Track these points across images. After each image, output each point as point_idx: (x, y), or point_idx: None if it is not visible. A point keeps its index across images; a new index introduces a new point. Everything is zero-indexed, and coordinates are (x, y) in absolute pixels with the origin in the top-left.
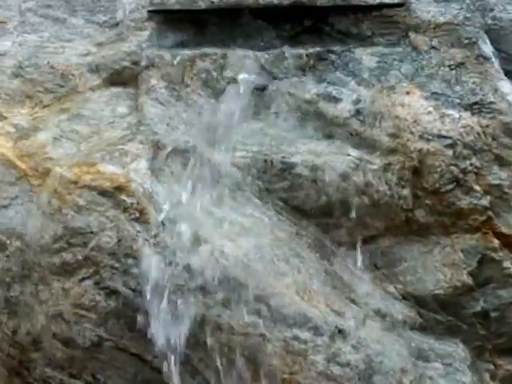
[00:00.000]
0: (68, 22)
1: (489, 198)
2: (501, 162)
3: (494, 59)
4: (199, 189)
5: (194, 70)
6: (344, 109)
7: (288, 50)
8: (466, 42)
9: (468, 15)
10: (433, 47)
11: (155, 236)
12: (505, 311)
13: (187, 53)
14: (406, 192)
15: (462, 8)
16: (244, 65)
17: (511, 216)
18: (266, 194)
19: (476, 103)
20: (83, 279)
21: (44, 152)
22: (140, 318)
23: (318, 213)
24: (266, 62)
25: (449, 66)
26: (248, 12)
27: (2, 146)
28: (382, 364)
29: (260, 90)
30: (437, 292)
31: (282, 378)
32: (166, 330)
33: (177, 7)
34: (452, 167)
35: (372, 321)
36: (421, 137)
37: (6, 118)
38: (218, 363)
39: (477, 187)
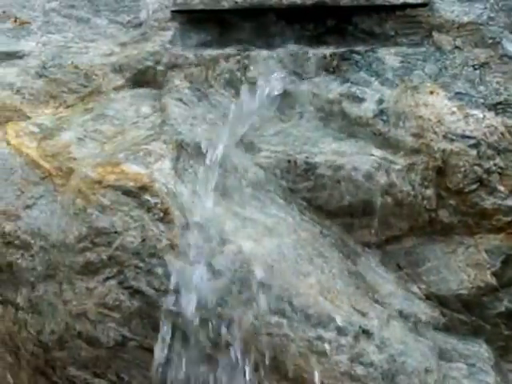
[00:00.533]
0: (92, 22)
1: None
2: None
3: None
4: (223, 189)
5: (217, 70)
6: (367, 109)
7: (311, 50)
8: (490, 41)
9: (492, 15)
10: (456, 47)
11: (179, 236)
12: None
13: (211, 53)
14: (429, 192)
15: (485, 8)
16: (268, 65)
17: None
18: (290, 193)
19: (500, 103)
20: (107, 279)
21: (68, 152)
22: (164, 318)
23: (341, 213)
24: (290, 62)
25: (472, 65)
26: (271, 12)
27: (26, 146)
28: (406, 364)
29: (284, 90)
30: (460, 292)
31: (305, 378)
32: (190, 330)
33: (200, 7)
34: (476, 167)
35: (395, 321)
36: (444, 137)
37: (29, 118)
38: (242, 363)
39: (501, 187)
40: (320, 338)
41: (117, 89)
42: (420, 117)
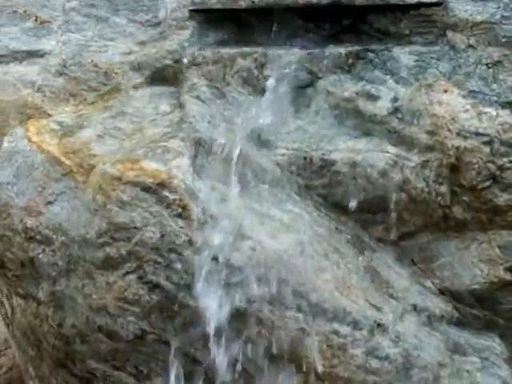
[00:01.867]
0: (111, 21)
1: None
2: None
3: None
4: (240, 185)
5: (234, 69)
6: (382, 107)
7: (327, 49)
8: (504, 40)
9: (505, 14)
10: (470, 46)
11: (197, 232)
12: None
13: (228, 51)
14: (443, 189)
15: (499, 7)
16: (284, 63)
17: None
18: (306, 190)
19: None
20: (127, 273)
21: (88, 149)
22: (183, 312)
23: (356, 209)
24: (306, 60)
25: (486, 64)
26: (288, 11)
27: (47, 143)
28: (420, 358)
29: (300, 88)
30: (473, 287)
31: (321, 372)
32: (209, 324)
33: (218, 6)
34: (489, 164)
35: (410, 315)
36: (458, 134)
37: (50, 115)
38: (260, 357)
39: None
40: (336, 332)
41: (136, 87)
42: (434, 114)
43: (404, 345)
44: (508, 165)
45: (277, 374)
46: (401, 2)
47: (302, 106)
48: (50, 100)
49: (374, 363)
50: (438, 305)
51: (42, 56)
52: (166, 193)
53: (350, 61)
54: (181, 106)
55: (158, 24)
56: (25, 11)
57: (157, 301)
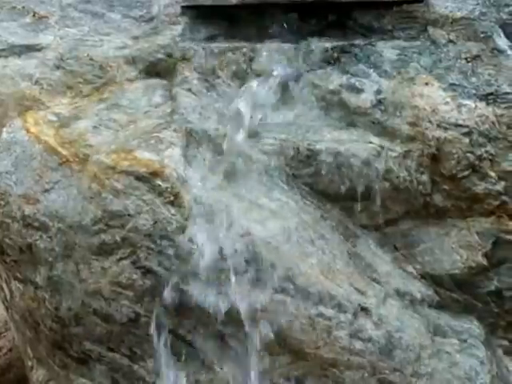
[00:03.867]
0: (106, 16)
1: (503, 183)
2: None
3: (508, 52)
4: (230, 174)
5: (224, 62)
6: (366, 99)
7: (314, 44)
8: (482, 35)
9: (484, 10)
10: (450, 41)
11: (188, 219)
12: None
13: (219, 46)
14: (424, 178)
15: (478, 3)
16: (272, 57)
17: None
18: (293, 179)
19: (491, 94)
20: (121, 259)
21: (84, 139)
22: (174, 296)
23: (341, 197)
24: (293, 54)
25: (465, 58)
26: (276, 7)
27: (44, 133)
28: (402, 339)
29: (287, 81)
30: (453, 272)
31: (307, 353)
32: (201, 307)
33: (209, 3)
34: (468, 154)
35: (392, 299)
36: (439, 125)
37: (48, 107)
38: (249, 338)
39: (492, 173)
40: (321, 314)
41: (130, 80)
42: (416, 106)
43: (387, 327)
44: (486, 155)
45: (264, 355)
46: None
47: (289, 99)
48: (48, 92)
49: (358, 345)
50: (420, 289)
51: (39, 50)
52: (158, 181)
53: (336, 55)
54: (173, 98)
55: (152, 19)
56: (23, 7)
57: (150, 285)
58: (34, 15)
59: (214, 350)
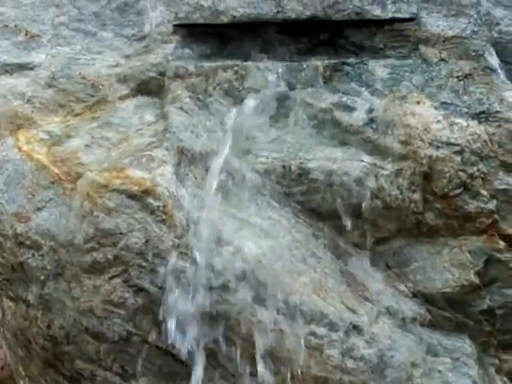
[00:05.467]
0: (98, 35)
1: (495, 202)
2: (506, 167)
3: (499, 71)
4: (221, 193)
5: (216, 81)
6: (358, 117)
7: (305, 62)
8: (474, 54)
9: (475, 29)
10: (442, 59)
11: (180, 237)
12: (510, 309)
13: (210, 64)
14: (416, 196)
15: (469, 22)
16: (264, 76)
17: None
18: (285, 197)
19: (483, 112)
20: (113, 277)
21: (76, 157)
22: (165, 315)
23: (333, 215)
24: (285, 73)
25: (457, 77)
26: (268, 26)
27: (36, 152)
28: (394, 358)
29: (279, 99)
30: (445, 290)
31: (299, 372)
32: (191, 326)
33: (201, 21)
34: (460, 173)
35: (384, 317)
36: (431, 144)
37: (40, 125)
38: (240, 357)
39: (483, 192)
40: (313, 333)
41: (122, 98)
42: (407, 125)
43: (378, 345)
44: (478, 173)
45: (256, 374)
46: (375, 18)
47: (281, 117)
48: (40, 111)
49: (350, 363)
50: (412, 307)
51: (31, 68)
52: (150, 200)
53: (327, 73)
54: (165, 116)
55: (144, 38)
56: (15, 25)
57: (141, 303)
58: (26, 34)
59: (206, 369)
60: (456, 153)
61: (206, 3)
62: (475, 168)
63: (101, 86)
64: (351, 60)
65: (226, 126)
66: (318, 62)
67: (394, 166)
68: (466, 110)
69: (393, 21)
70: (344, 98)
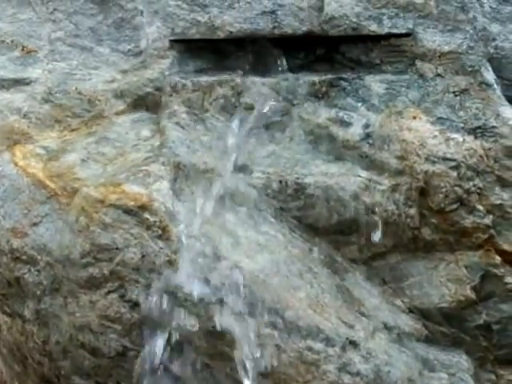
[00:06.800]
0: (95, 50)
1: (491, 217)
2: (502, 183)
3: (496, 86)
4: (218, 208)
5: (213, 96)
6: (354, 133)
7: (302, 77)
8: (470, 69)
9: (471, 44)
10: (438, 74)
11: (176, 253)
12: (506, 324)
13: (207, 79)
14: (412, 211)
15: (465, 38)
16: (260, 91)
17: None
18: (281, 212)
19: (479, 127)
20: (109, 292)
21: (72, 173)
22: (160, 329)
23: (329, 230)
24: (281, 88)
25: (453, 92)
26: (264, 41)
27: (32, 167)
28: (390, 373)
29: (275, 114)
30: (442, 305)
31: None
32: (186, 341)
33: (197, 37)
34: (456, 188)
35: (380, 333)
36: (427, 159)
37: (36, 140)
38: (236, 373)
39: (480, 207)
40: (309, 348)
41: (118, 113)
42: (404, 140)
43: (375, 361)
44: (474, 189)
45: None
46: (372, 33)
47: (277, 132)
48: (36, 126)
49: (347, 379)
50: (408, 322)
51: (28, 84)
52: (146, 215)
53: (324, 89)
54: (161, 131)
55: (140, 53)
56: (12, 41)
57: (138, 319)
58: (22, 49)
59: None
60: (452, 168)
61: (203, 19)
62: (471, 183)
63: (97, 102)
64: (347, 75)
65: (228, 143)
66: (315, 78)
67: (391, 181)
68: (462, 125)
69: (389, 36)
70: (340, 114)
